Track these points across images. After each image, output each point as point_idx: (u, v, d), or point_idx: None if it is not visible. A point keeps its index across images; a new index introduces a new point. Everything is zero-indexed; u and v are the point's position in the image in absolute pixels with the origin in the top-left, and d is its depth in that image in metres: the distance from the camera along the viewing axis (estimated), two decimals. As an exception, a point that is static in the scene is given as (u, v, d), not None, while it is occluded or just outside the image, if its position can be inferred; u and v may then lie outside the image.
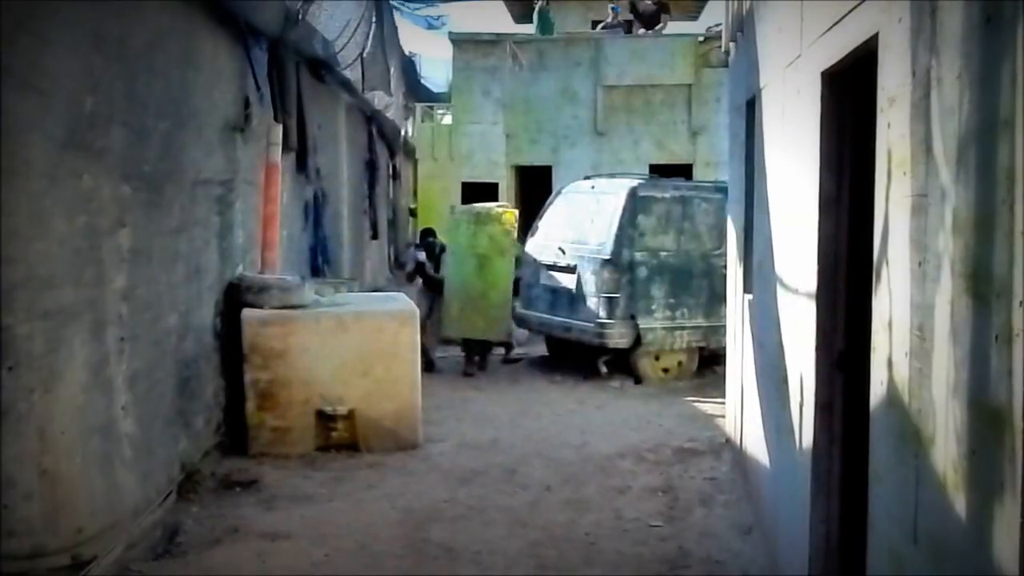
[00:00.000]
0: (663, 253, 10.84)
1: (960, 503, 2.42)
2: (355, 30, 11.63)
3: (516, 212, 11.56)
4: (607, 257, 10.71)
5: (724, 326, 8.90)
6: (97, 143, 5.14)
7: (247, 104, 8.03)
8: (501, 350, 12.03)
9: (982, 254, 2.28)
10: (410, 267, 11.86)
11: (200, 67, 6.98)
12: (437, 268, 11.60)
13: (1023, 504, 2.04)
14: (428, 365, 10.78)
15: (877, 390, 3.23)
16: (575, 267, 11.09)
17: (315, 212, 11.55)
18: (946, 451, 2.53)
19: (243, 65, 7.98)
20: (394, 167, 21.18)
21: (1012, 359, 2.09)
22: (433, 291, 11.55)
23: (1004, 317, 2.13)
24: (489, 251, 11.25)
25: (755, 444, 6.13)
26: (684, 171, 15.59)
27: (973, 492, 2.35)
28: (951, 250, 2.50)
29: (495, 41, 17.31)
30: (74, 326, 4.88)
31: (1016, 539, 2.06)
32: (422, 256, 11.70)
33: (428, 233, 12.35)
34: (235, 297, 7.57)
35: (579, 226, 11.27)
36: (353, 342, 7.66)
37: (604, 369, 10.92)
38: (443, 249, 11.77)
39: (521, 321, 12.08)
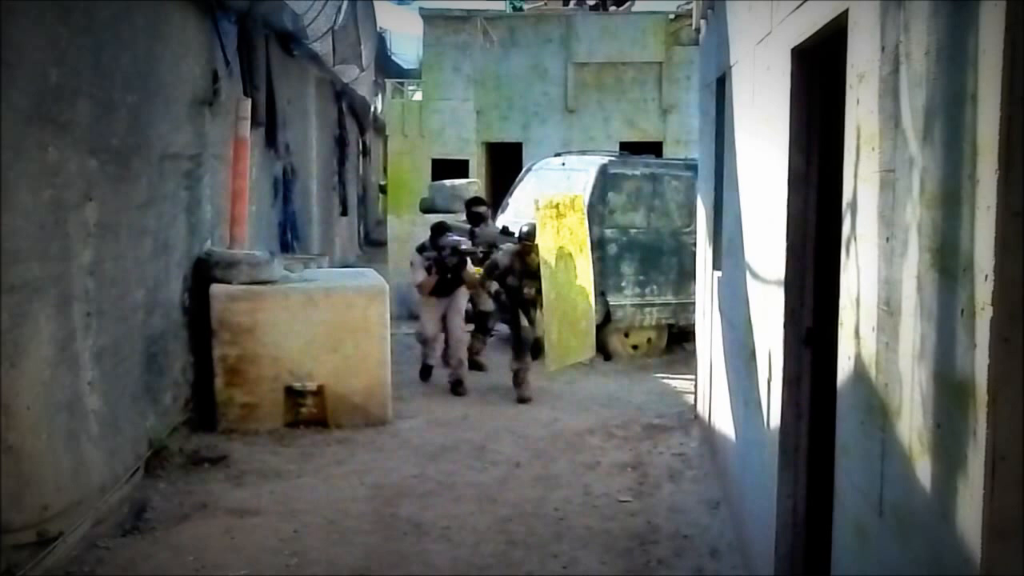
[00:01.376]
0: (633, 230, 10.84)
1: (925, 475, 2.45)
2: (325, 2, 11.50)
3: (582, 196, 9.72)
4: (577, 234, 10.68)
5: (694, 303, 8.95)
6: (63, 115, 5.07)
7: (216, 78, 7.95)
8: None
9: (949, 229, 2.30)
10: (419, 276, 9.33)
11: (168, 40, 6.89)
12: (455, 274, 9.28)
13: (985, 475, 2.07)
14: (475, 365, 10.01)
15: (844, 365, 3.26)
16: (545, 244, 11.04)
17: (284, 187, 11.48)
18: (912, 424, 2.56)
19: (211, 38, 7.89)
20: (364, 143, 21.08)
21: (977, 333, 2.11)
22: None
23: (969, 291, 2.15)
24: (570, 248, 8.93)
25: (723, 420, 6.17)
26: (654, 149, 15.54)
27: (938, 464, 2.38)
28: (918, 225, 2.52)
29: (466, 17, 17.15)
30: (40, 301, 4.82)
31: (979, 510, 2.10)
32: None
33: (443, 229, 9.48)
34: (203, 272, 7.52)
35: (549, 203, 11.21)
36: (322, 318, 7.63)
37: (574, 346, 10.92)
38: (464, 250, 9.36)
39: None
